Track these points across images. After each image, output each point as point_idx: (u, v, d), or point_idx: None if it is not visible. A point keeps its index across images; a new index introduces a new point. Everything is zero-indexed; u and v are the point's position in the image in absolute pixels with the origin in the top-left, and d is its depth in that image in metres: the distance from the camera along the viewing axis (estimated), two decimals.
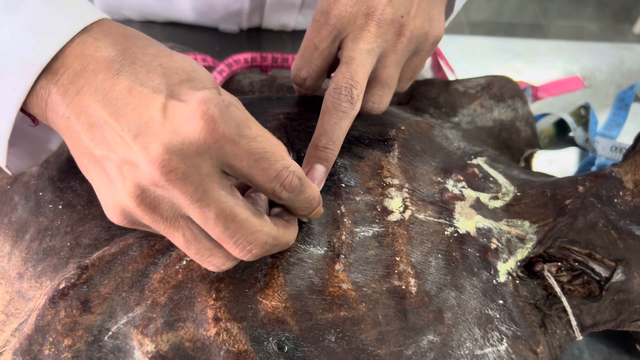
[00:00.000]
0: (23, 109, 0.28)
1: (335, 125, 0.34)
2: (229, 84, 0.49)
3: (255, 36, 0.62)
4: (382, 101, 0.37)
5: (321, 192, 0.34)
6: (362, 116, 0.39)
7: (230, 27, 0.61)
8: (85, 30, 0.27)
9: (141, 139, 0.24)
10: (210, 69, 0.49)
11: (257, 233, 0.26)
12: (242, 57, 0.50)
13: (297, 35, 0.66)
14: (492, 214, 0.37)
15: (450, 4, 0.45)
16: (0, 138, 0.28)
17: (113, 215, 0.27)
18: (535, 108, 0.61)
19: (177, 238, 0.27)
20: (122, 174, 0.25)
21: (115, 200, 0.26)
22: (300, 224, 0.32)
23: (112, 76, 0.26)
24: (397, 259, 0.32)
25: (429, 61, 0.65)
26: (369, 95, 0.36)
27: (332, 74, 0.36)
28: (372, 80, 0.36)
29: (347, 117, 0.34)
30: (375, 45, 0.35)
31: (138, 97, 0.25)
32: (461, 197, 0.37)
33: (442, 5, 0.39)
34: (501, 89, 0.46)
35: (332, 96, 0.34)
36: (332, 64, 0.38)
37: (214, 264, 0.27)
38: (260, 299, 0.30)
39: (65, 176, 0.35)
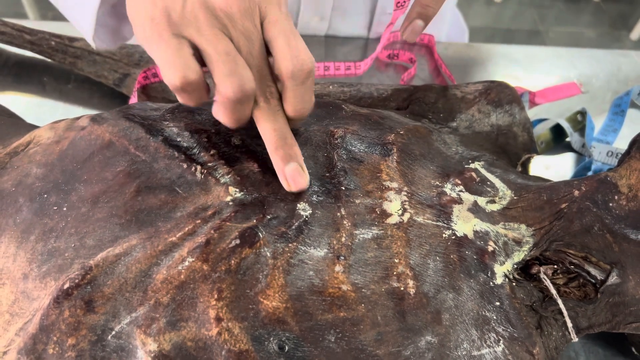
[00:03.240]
0: None
1: None
2: None
3: None
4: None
5: (321, 194, 0.34)
6: (362, 120, 0.40)
7: None
8: None
9: None
10: None
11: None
12: None
13: None
14: (489, 217, 0.37)
15: None
16: (89, 13, 0.41)
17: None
18: (532, 113, 0.61)
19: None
20: None
21: None
22: (301, 227, 0.33)
23: None
24: (396, 260, 0.33)
25: (427, 66, 0.66)
26: None
27: None
28: None
29: None
30: None
31: None
32: (459, 201, 0.37)
33: None
34: (499, 95, 0.47)
35: None
36: None
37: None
38: (261, 300, 0.30)
39: (70, 178, 0.35)
